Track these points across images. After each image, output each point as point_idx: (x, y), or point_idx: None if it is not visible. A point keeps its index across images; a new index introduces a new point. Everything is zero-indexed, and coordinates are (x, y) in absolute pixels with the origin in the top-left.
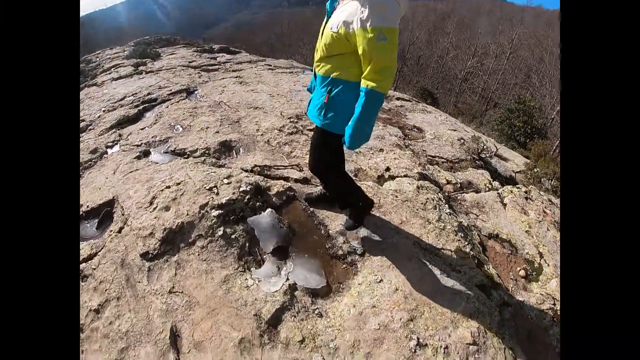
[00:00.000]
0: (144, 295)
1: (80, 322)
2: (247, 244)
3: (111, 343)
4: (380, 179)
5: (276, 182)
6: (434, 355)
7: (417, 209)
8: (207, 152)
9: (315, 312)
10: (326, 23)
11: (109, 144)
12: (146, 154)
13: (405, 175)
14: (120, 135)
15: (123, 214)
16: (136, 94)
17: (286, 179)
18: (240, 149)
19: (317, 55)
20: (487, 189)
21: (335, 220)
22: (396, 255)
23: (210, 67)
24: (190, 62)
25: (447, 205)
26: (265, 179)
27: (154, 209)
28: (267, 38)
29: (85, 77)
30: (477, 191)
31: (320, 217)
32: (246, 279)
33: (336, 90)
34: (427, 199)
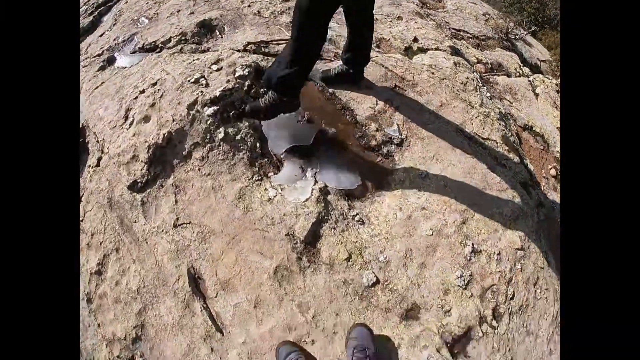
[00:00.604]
0: (145, 237)
1: (85, 291)
2: (257, 144)
3: (125, 307)
4: (409, 51)
5: None
6: (487, 262)
7: (458, 90)
8: (183, 38)
9: (356, 219)
10: None
11: None
12: (110, 61)
13: (437, 49)
14: None
15: (97, 141)
16: (88, 1)
17: None
18: (225, 28)
19: None
20: (518, 74)
21: (362, 103)
22: (439, 144)
23: None
24: None
25: (484, 88)
26: (265, 57)
27: (131, 123)
28: None
29: None
30: (508, 75)
31: (343, 100)
32: (266, 190)
33: None
34: (467, 78)
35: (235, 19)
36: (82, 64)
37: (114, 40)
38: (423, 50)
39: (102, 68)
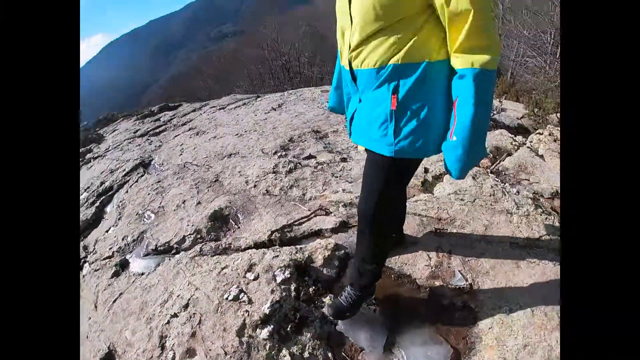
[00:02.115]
0: None
1: None
2: (329, 353)
3: None
4: (426, 184)
5: (311, 244)
6: None
7: (491, 204)
8: (199, 237)
9: None
10: None
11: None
12: (124, 265)
13: None
14: (85, 248)
15: None
16: (88, 188)
17: (318, 233)
18: (239, 215)
19: (353, 39)
20: (515, 147)
21: (416, 264)
22: (504, 269)
23: (158, 130)
24: (135, 132)
25: (507, 185)
26: (298, 248)
27: (173, 359)
28: (203, 82)
29: None
30: (510, 153)
31: (395, 268)
32: None
33: (410, 85)
34: (491, 187)
35: (245, 204)
36: (93, 266)
37: (123, 239)
38: (438, 177)
39: (116, 274)
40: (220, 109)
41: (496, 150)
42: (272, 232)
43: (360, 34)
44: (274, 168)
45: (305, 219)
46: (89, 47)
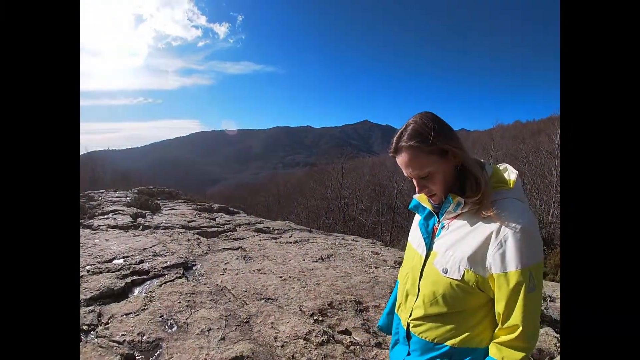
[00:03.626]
0: None
1: None
2: None
3: None
4: None
5: None
6: None
7: None
8: None
9: None
10: (428, 253)
11: (83, 328)
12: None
13: None
14: (99, 316)
15: None
16: (127, 257)
17: None
18: None
19: (416, 311)
20: (559, 349)
21: None
22: None
23: (209, 230)
24: (189, 221)
25: None
26: None
27: None
28: (265, 198)
29: (84, 213)
30: (552, 357)
31: None
32: None
33: None
34: None
35: None
36: (99, 341)
37: (139, 334)
38: None
39: None
40: (273, 238)
41: (538, 353)
42: None
43: (423, 310)
44: (306, 335)
45: None
46: (182, 127)
